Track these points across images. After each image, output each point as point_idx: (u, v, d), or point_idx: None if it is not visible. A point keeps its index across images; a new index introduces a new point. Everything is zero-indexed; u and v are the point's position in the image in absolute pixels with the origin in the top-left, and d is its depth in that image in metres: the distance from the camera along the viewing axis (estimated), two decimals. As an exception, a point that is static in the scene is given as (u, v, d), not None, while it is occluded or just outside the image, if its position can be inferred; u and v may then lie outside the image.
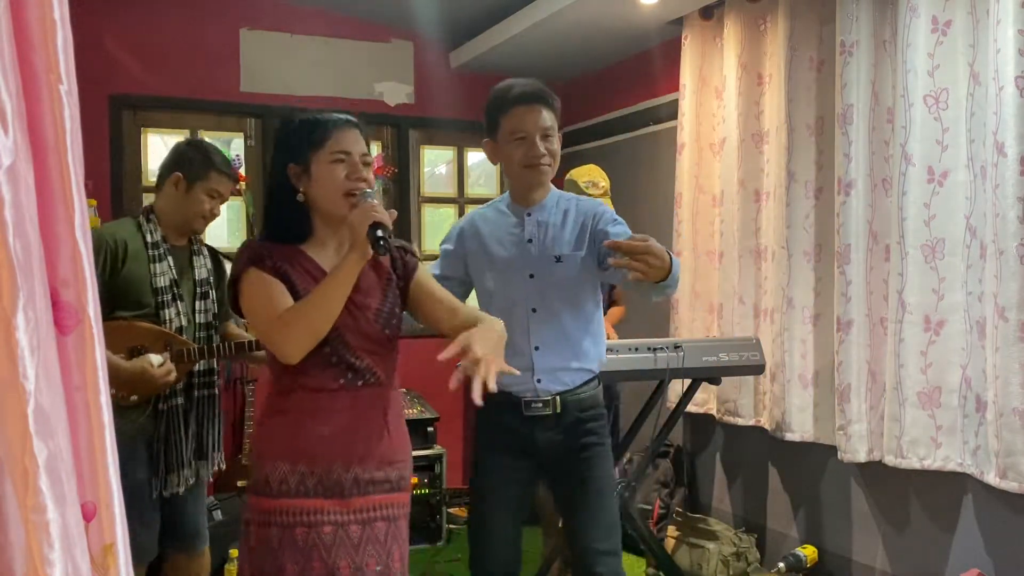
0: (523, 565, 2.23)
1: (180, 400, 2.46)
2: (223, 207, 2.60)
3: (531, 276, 2.14)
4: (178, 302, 2.45)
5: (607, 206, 2.22)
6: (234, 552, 3.25)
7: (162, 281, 2.42)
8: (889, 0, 2.90)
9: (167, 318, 2.41)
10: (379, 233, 1.66)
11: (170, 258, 2.46)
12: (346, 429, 1.75)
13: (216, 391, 2.59)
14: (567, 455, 2.16)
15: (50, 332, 0.71)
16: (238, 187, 4.20)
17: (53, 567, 0.67)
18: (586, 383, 2.18)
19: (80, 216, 0.76)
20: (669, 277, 1.84)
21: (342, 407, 1.75)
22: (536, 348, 2.13)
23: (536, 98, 2.11)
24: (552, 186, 2.22)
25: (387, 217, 1.69)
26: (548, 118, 2.11)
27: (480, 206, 2.33)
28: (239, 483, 3.96)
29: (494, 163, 2.25)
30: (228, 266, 2.72)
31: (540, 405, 2.13)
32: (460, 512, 4.49)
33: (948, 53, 2.67)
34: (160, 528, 2.55)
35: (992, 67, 2.46)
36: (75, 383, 0.75)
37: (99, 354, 0.78)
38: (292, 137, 1.79)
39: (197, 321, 2.51)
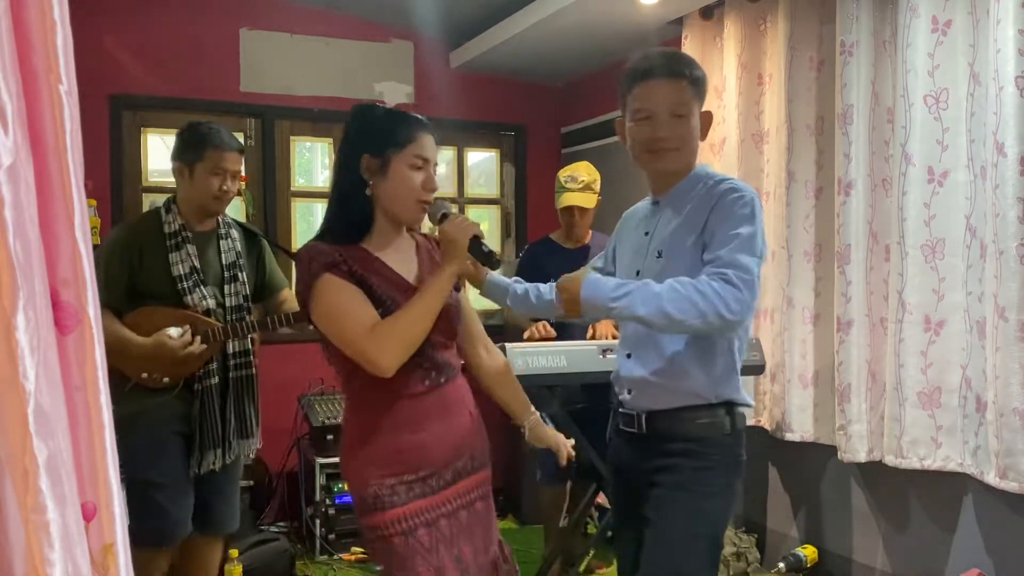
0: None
1: (215, 380, 2.50)
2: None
3: (637, 273, 1.86)
4: (202, 287, 2.48)
5: (739, 187, 1.79)
6: (234, 552, 3.25)
7: (181, 268, 2.45)
8: (889, 0, 2.90)
9: (192, 303, 2.45)
10: (488, 248, 1.71)
11: (191, 245, 2.48)
12: (442, 431, 1.76)
13: (254, 371, 2.62)
14: (640, 487, 1.86)
15: (50, 332, 0.71)
16: (238, 187, 4.22)
17: (53, 567, 0.67)
18: (690, 408, 1.82)
19: (80, 216, 0.76)
20: (581, 307, 1.69)
21: (434, 410, 1.75)
22: (628, 356, 1.90)
23: (666, 71, 1.80)
24: (697, 167, 1.89)
25: (481, 230, 1.73)
26: (681, 94, 1.79)
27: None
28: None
29: (625, 145, 1.94)
30: (263, 241, 2.73)
31: (628, 419, 1.90)
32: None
33: (948, 53, 2.67)
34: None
35: (992, 67, 2.46)
36: (75, 383, 0.75)
37: (99, 354, 0.78)
38: (373, 128, 1.73)
39: (228, 304, 2.54)
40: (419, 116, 1.79)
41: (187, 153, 2.49)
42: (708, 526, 1.81)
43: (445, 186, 5.01)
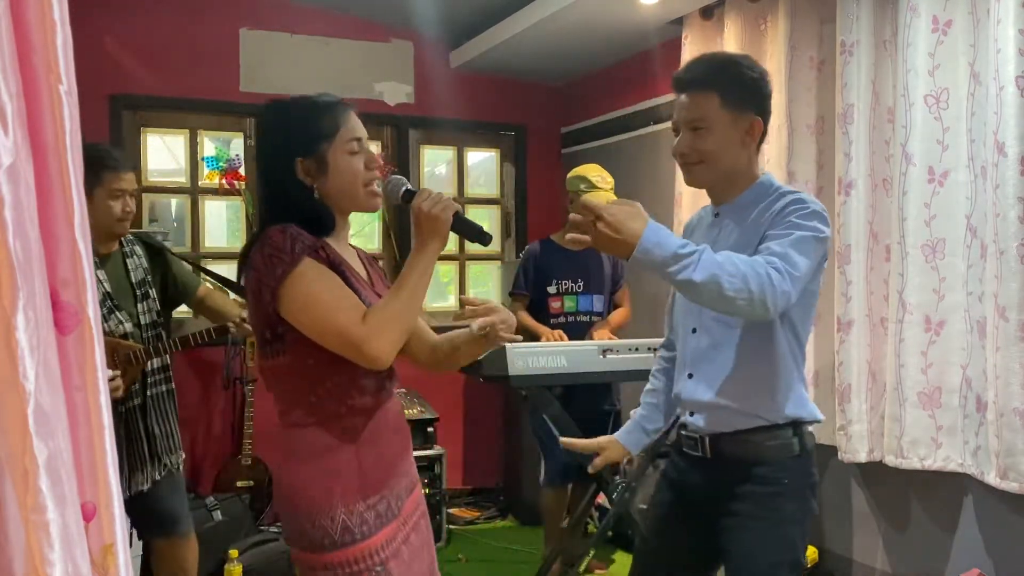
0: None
1: (138, 400, 2.52)
2: (222, 205, 2.61)
3: None
4: (117, 312, 2.48)
5: (805, 198, 1.71)
6: (234, 552, 3.25)
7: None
8: (889, 0, 2.90)
9: (110, 328, 2.45)
10: (475, 223, 1.58)
11: (100, 271, 2.47)
12: (397, 445, 1.64)
13: (172, 386, 2.64)
14: (704, 512, 1.79)
15: (50, 332, 0.71)
16: (237, 187, 4.22)
17: (53, 567, 0.67)
18: (756, 431, 1.73)
19: (80, 216, 0.76)
20: (634, 255, 1.47)
21: (392, 418, 1.63)
22: (690, 376, 1.79)
23: (683, 85, 1.75)
24: (762, 177, 1.79)
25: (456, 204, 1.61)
26: (700, 107, 1.71)
27: None
28: (239, 483, 3.96)
29: None
30: (166, 252, 2.71)
31: (692, 442, 1.80)
32: (460, 512, 4.49)
33: (948, 53, 2.67)
34: (138, 520, 2.63)
35: (992, 67, 2.46)
36: (75, 383, 0.75)
37: (99, 354, 0.78)
38: (296, 128, 1.57)
39: (143, 322, 2.55)
40: (333, 96, 1.63)
41: (83, 178, 2.45)
42: (787, 552, 1.74)
43: (445, 186, 5.01)
